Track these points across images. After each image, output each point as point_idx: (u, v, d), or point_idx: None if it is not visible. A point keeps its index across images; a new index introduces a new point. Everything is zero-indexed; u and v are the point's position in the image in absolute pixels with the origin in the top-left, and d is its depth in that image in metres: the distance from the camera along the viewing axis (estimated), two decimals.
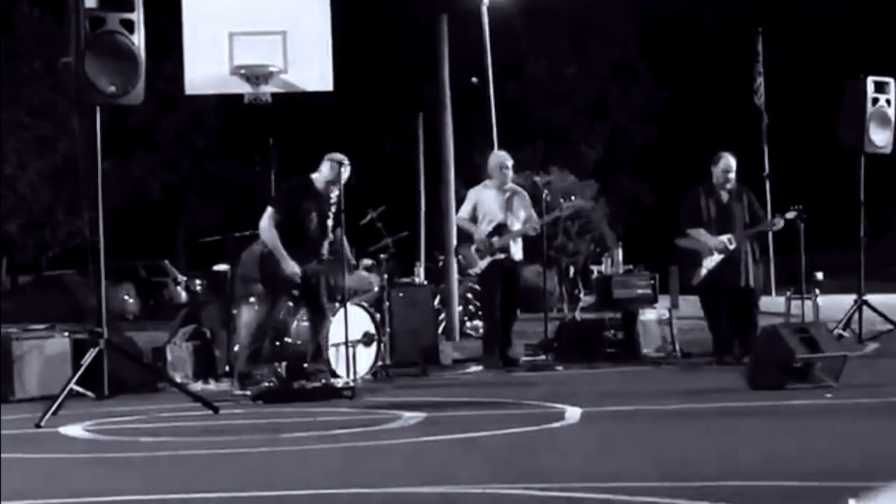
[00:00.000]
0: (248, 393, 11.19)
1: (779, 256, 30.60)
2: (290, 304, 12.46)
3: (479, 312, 17.37)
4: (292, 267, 11.42)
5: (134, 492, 6.48)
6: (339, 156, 11.68)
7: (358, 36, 32.08)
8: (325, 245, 11.69)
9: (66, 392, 9.83)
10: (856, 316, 15.05)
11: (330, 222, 11.69)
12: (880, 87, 15.17)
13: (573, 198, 14.70)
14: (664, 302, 14.87)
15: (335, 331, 12.05)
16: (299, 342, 12.11)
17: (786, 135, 36.88)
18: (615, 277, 14.80)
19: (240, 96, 13.05)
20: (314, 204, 11.60)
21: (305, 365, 11.70)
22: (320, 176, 11.64)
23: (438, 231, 20.29)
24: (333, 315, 12.17)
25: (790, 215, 13.11)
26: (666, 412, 9.46)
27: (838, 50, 38.86)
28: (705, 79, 42.73)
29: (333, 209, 11.68)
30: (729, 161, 13.24)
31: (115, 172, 33.43)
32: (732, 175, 13.22)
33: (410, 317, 13.94)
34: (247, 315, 11.92)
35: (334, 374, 11.89)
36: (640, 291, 14.49)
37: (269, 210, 11.58)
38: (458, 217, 14.11)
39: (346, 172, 11.64)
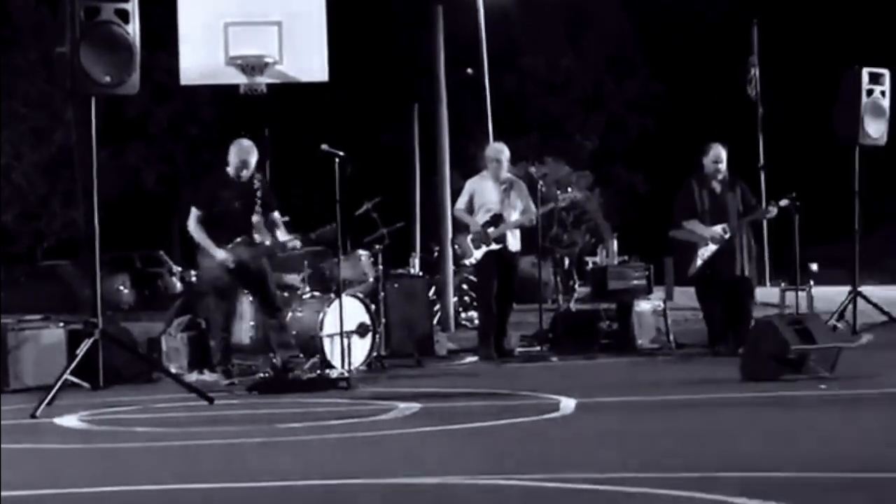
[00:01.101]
0: (236, 382, 11.24)
1: (773, 248, 30.60)
2: (285, 294, 12.50)
3: (475, 303, 17.37)
4: (220, 253, 11.50)
5: (129, 482, 6.49)
6: (244, 141, 11.75)
7: (353, 27, 32.02)
8: (257, 231, 11.69)
9: (61, 382, 9.84)
10: (850, 307, 15.09)
11: (257, 208, 11.69)
12: (875, 79, 15.18)
13: (569, 189, 14.69)
14: (659, 293, 14.88)
15: (330, 321, 12.06)
16: (294, 332, 12.11)
17: (780, 126, 36.85)
18: (610, 268, 14.82)
19: (235, 87, 13.05)
20: (233, 192, 11.65)
21: (276, 357, 11.71)
22: (230, 164, 11.69)
23: (434, 222, 20.30)
24: (328, 306, 12.18)
25: (783, 202, 13.12)
26: (660, 403, 9.47)
27: (833, 41, 38.81)
28: (700, 70, 42.67)
29: (259, 195, 11.68)
30: (718, 151, 13.25)
31: (110, 163, 33.34)
32: (722, 165, 13.22)
33: (406, 307, 13.96)
34: (214, 318, 11.95)
35: (328, 365, 11.91)
36: (634, 282, 14.51)
37: (192, 210, 11.73)
38: (454, 208, 14.12)
39: (253, 158, 11.65)
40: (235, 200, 11.65)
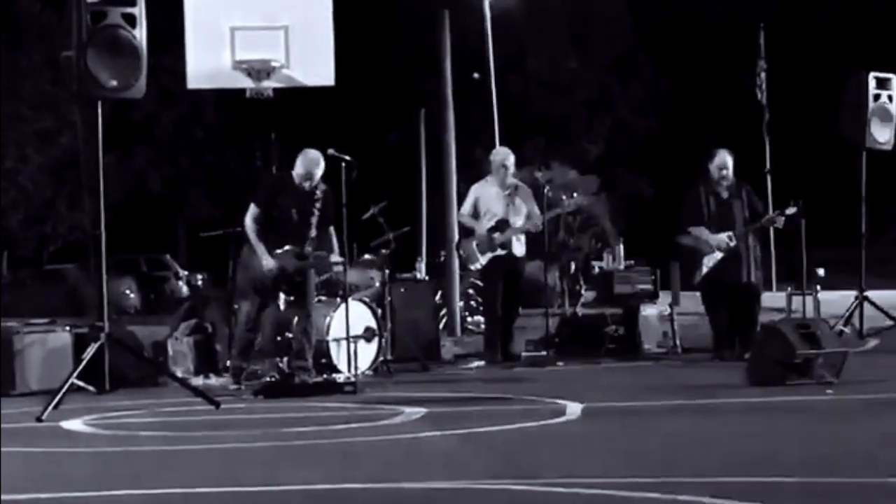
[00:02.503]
0: (242, 387, 11.23)
1: (780, 252, 30.61)
2: (292, 298, 12.47)
3: (481, 308, 17.36)
4: (268, 262, 11.38)
5: (135, 486, 6.48)
6: (312, 152, 11.57)
7: (359, 31, 32.05)
8: (310, 241, 11.61)
9: (67, 386, 9.84)
10: (857, 312, 15.07)
11: (314, 219, 11.59)
12: (882, 84, 15.18)
13: (575, 194, 14.67)
14: (665, 298, 14.85)
15: (336, 326, 12.05)
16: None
17: (787, 130, 36.86)
18: (616, 273, 14.80)
19: (241, 91, 13.05)
20: (293, 199, 11.52)
21: (283, 361, 11.70)
22: (295, 171, 11.60)
23: (440, 226, 20.29)
24: (335, 310, 12.17)
25: (790, 211, 13.08)
26: (666, 408, 9.46)
27: (840, 45, 38.82)
28: (707, 73, 42.70)
29: (319, 205, 11.60)
30: (724, 157, 13.22)
31: (116, 166, 33.40)
32: (728, 172, 13.19)
33: (412, 312, 13.94)
34: (245, 309, 11.89)
35: (334, 370, 11.90)
36: (641, 287, 14.50)
37: (251, 205, 11.60)
38: (459, 213, 14.11)
39: (319, 170, 11.49)
40: (294, 208, 11.52)
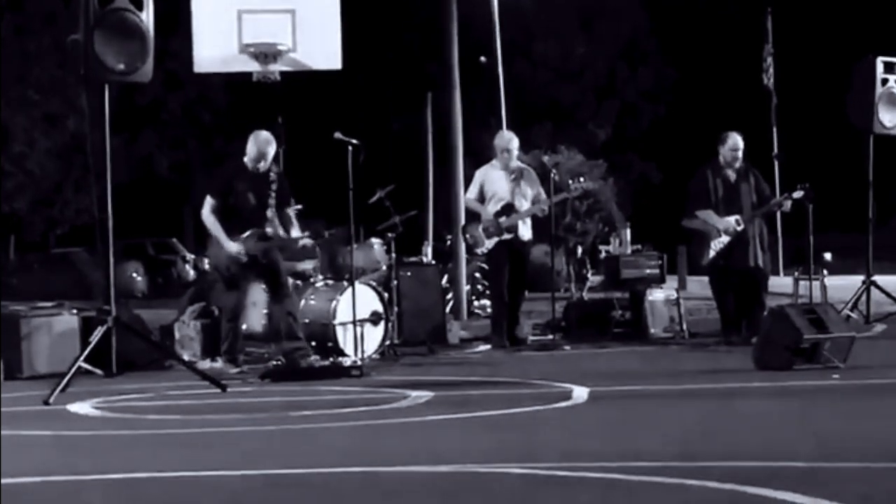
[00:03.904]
0: (243, 369, 11.26)
1: (787, 237, 30.56)
2: (298, 283, 12.50)
3: (487, 292, 17.36)
4: (232, 246, 11.43)
5: (142, 469, 6.49)
6: (263, 133, 11.62)
7: (366, 14, 31.99)
8: (268, 223, 11.63)
9: (74, 370, 9.86)
10: (864, 297, 15.06)
11: (272, 201, 11.61)
12: (890, 68, 15.16)
13: (582, 179, 14.62)
14: (672, 282, 14.86)
15: (343, 309, 12.07)
16: (307, 320, 12.11)
17: (795, 115, 36.77)
18: (623, 257, 14.80)
19: (248, 74, 13.05)
20: (248, 184, 11.56)
21: (272, 347, 11.73)
22: (247, 154, 11.61)
23: (446, 210, 20.29)
24: (341, 294, 12.19)
25: (797, 194, 13.05)
26: (673, 392, 9.47)
27: (848, 30, 38.72)
28: (714, 58, 42.59)
29: (274, 187, 11.61)
30: (737, 140, 13.22)
31: (123, 150, 33.40)
32: (740, 154, 13.19)
33: (418, 296, 13.95)
34: (225, 302, 11.94)
35: (340, 354, 11.92)
36: (647, 271, 14.50)
37: (207, 198, 11.66)
38: (465, 198, 14.12)
39: (271, 150, 11.55)
40: (250, 192, 11.58)
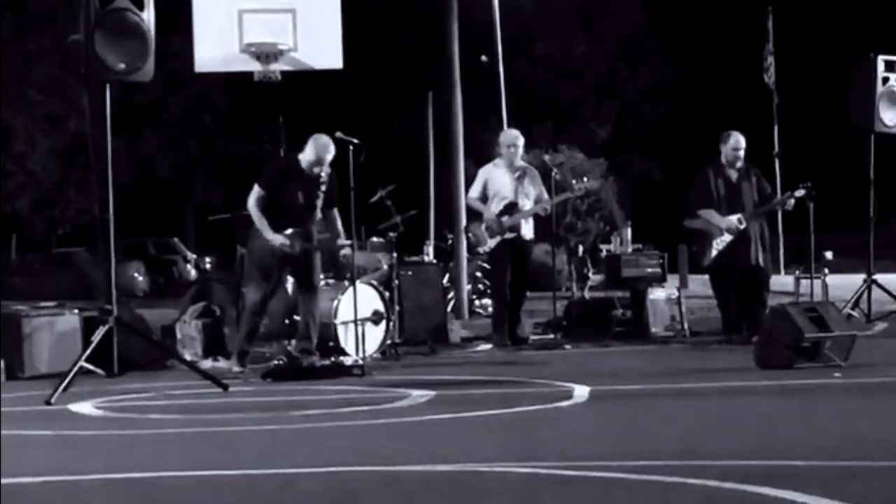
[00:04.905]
0: (245, 370, 11.24)
1: (788, 236, 30.56)
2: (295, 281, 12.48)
3: (489, 291, 17.38)
4: (276, 237, 11.30)
5: (144, 469, 6.50)
6: (323, 137, 11.52)
7: (367, 14, 32.02)
8: (314, 225, 11.61)
9: (76, 369, 9.87)
10: (865, 295, 15.06)
11: (319, 202, 11.55)
12: (891, 67, 15.16)
13: (584, 178, 14.65)
14: (673, 281, 14.87)
15: (344, 309, 12.07)
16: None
17: (796, 114, 36.77)
18: (624, 256, 14.82)
19: (249, 74, 13.05)
20: (299, 184, 11.46)
21: (291, 343, 11.70)
22: (304, 156, 11.55)
23: (448, 209, 20.30)
24: (343, 293, 12.19)
25: (799, 193, 13.05)
26: (674, 391, 9.47)
27: (849, 29, 38.72)
28: (715, 57, 42.60)
29: (324, 188, 11.56)
30: (738, 139, 13.22)
31: (124, 150, 33.41)
32: (742, 153, 13.19)
33: (420, 295, 13.96)
34: (252, 294, 11.90)
35: (342, 353, 11.92)
36: (648, 270, 14.52)
37: (256, 187, 11.54)
38: (468, 197, 14.11)
39: (329, 156, 11.44)
40: (300, 192, 11.45)
